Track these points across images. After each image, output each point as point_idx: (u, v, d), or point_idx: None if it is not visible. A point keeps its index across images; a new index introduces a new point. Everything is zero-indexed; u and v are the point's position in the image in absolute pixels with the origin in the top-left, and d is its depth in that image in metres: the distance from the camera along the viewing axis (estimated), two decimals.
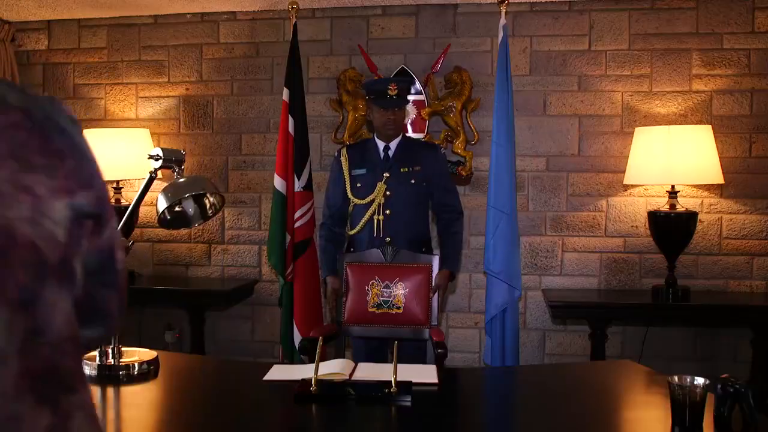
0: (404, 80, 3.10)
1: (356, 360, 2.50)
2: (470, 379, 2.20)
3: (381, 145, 3.03)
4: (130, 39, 4.18)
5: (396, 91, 2.92)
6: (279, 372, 2.11)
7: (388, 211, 2.98)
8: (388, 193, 2.98)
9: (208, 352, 3.99)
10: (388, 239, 2.96)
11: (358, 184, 3.03)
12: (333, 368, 2.04)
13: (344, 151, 3.11)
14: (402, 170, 2.99)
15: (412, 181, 2.98)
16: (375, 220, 2.99)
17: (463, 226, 3.19)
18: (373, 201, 2.99)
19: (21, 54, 4.27)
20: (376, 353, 2.90)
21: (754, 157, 3.65)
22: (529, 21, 3.81)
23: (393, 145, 3.02)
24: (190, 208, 2.21)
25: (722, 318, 3.53)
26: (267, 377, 2.06)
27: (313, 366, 1.95)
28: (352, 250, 3.05)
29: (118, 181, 3.93)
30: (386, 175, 2.98)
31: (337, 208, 3.08)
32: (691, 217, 3.44)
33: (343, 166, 3.06)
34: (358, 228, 3.03)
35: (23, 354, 0.62)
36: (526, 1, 3.78)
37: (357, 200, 3.02)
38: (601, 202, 3.78)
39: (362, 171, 3.03)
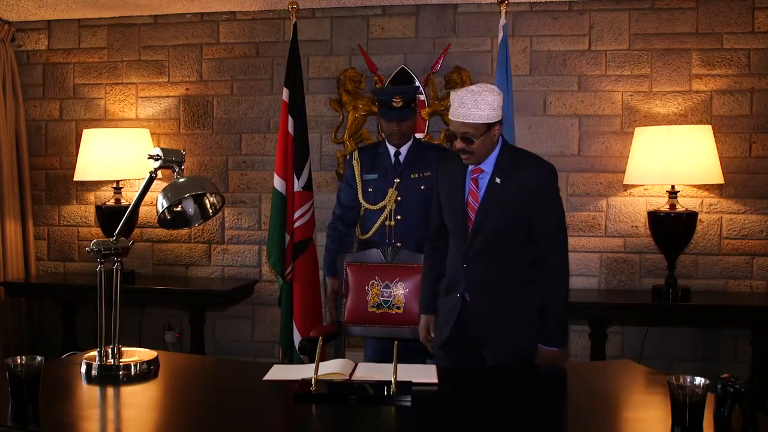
0: (410, 90, 3.02)
1: (367, 360, 2.49)
2: (470, 379, 2.19)
3: (392, 150, 3.03)
4: (130, 39, 4.18)
5: (401, 103, 2.90)
6: (279, 372, 2.11)
7: (399, 216, 2.99)
8: (399, 198, 2.98)
9: (208, 352, 3.99)
10: (399, 244, 2.96)
11: (370, 189, 3.03)
12: (333, 368, 2.04)
13: (356, 154, 3.10)
14: (412, 176, 2.98)
15: (422, 187, 2.97)
16: (386, 226, 3.00)
17: None
18: (384, 207, 3.00)
19: (21, 54, 4.28)
20: (388, 353, 2.87)
21: (754, 157, 3.65)
22: (529, 21, 3.81)
23: (403, 150, 3.02)
24: (190, 208, 2.21)
25: (722, 318, 3.53)
26: (267, 377, 2.06)
27: (313, 366, 1.95)
28: None
29: (118, 181, 3.93)
30: (397, 180, 2.98)
31: (349, 209, 3.09)
32: (691, 217, 3.44)
33: (355, 170, 3.06)
34: (370, 233, 3.04)
35: None
36: (526, 1, 3.78)
37: (369, 205, 3.02)
38: (601, 202, 3.78)
39: (374, 176, 3.03)
